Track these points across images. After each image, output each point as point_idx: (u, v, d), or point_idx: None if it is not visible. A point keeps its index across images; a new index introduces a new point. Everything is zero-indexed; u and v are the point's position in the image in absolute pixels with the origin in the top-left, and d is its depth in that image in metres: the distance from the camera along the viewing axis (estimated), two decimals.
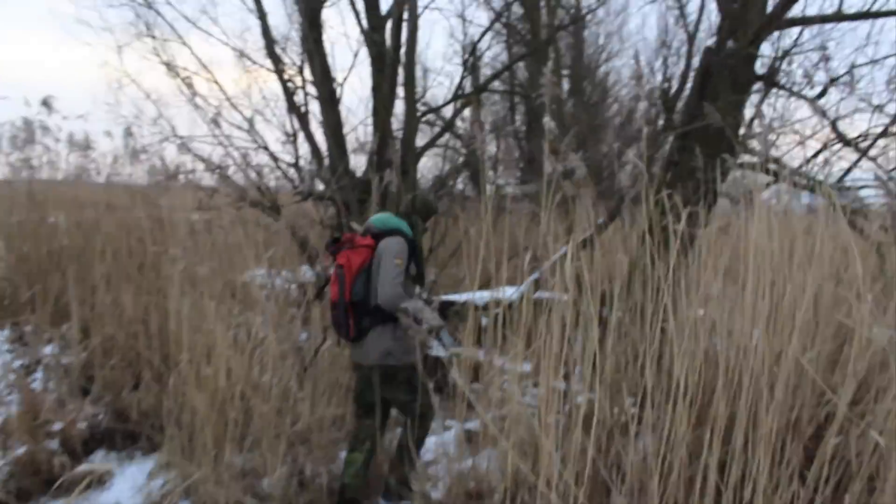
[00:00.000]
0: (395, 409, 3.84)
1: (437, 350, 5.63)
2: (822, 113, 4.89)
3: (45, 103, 6.99)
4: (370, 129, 6.45)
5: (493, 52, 14.03)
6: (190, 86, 6.51)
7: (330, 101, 6.11)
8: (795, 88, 5.19)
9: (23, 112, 7.18)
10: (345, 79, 6.56)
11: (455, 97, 8.14)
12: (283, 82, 6.54)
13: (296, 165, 6.70)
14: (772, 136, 5.11)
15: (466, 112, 16.98)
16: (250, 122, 6.23)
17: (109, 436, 4.41)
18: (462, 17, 10.29)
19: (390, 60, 6.16)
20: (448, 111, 8.36)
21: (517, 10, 12.55)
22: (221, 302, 4.13)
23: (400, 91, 6.49)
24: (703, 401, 2.66)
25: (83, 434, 4.29)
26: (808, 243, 2.99)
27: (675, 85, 10.29)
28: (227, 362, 3.66)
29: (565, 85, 17.51)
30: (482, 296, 7.00)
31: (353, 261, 3.51)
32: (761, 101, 5.48)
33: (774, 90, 5.37)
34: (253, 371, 3.97)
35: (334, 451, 4.06)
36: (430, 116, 10.40)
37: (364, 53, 6.52)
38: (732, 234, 3.78)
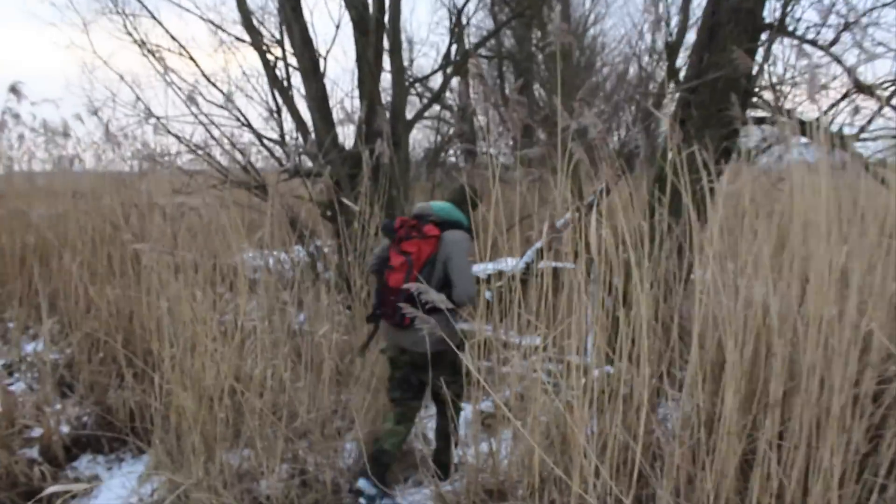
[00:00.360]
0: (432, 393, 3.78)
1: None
2: (837, 60, 4.57)
3: (14, 90, 6.62)
4: (357, 101, 6.09)
5: (478, 19, 13.58)
6: (164, 64, 6.14)
7: (312, 72, 5.73)
8: (808, 36, 4.86)
9: None
10: (328, 51, 6.19)
11: (443, 65, 7.78)
12: (263, 55, 6.17)
13: (281, 142, 6.35)
14: (786, 87, 4.79)
15: (455, 83, 16.63)
16: (229, 97, 5.86)
17: (95, 439, 4.11)
18: None
19: (374, 26, 5.79)
20: (436, 83, 7.98)
21: None
22: (206, 289, 3.80)
23: (386, 64, 6.16)
24: (753, 377, 2.37)
25: (66, 439, 3.99)
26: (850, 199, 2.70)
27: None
28: (212, 356, 3.34)
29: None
30: (484, 268, 6.73)
31: (423, 251, 3.54)
32: (768, 49, 5.14)
33: (786, 39, 5.04)
34: (245, 363, 3.67)
35: (338, 443, 3.77)
36: (419, 89, 10.06)
37: (347, 21, 6.16)
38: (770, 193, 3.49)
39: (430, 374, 3.47)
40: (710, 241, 2.66)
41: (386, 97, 6.36)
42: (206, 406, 3.31)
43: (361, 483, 3.43)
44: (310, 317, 4.58)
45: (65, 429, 4.07)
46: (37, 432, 3.90)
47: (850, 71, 4.47)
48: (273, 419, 3.44)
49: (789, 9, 5.02)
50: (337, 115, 5.56)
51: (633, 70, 16.04)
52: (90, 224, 5.57)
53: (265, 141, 6.01)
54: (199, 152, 6.04)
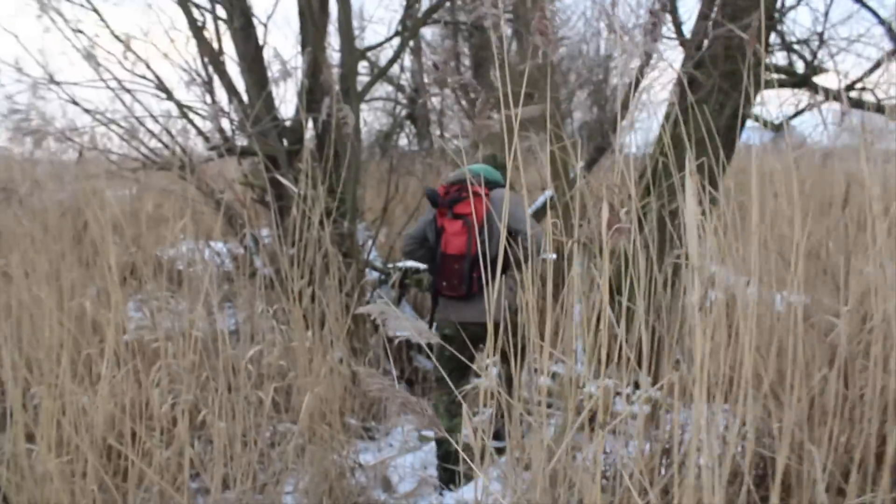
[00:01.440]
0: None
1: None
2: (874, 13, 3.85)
3: None
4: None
5: None
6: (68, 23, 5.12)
7: (245, 27, 4.79)
8: None
9: None
10: (269, 17, 5.25)
11: (398, 31, 6.89)
12: (186, 8, 5.21)
13: (212, 114, 5.39)
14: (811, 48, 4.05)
15: (408, 62, 15.70)
16: (137, 59, 4.87)
17: None
18: None
19: None
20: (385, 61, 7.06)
21: None
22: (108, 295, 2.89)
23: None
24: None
25: None
26: None
27: None
28: (77, 408, 2.40)
29: (508, 31, 16.39)
30: None
31: (479, 210, 3.25)
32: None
33: None
34: (151, 395, 2.78)
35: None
36: (369, 64, 9.17)
37: None
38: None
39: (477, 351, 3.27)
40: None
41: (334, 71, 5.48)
42: (81, 475, 2.37)
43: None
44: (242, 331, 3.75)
45: None
46: None
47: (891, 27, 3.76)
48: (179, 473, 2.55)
49: None
50: (273, 77, 4.60)
51: (591, 48, 15.41)
52: None
53: (190, 113, 5.04)
54: (115, 128, 5.07)
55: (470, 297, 3.35)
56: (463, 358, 2.86)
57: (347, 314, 3.73)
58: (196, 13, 5.32)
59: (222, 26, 5.31)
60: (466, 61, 16.37)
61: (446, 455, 3.41)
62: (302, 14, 4.77)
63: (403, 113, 14.87)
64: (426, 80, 15.54)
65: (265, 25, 5.19)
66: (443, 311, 3.55)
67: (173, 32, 5.49)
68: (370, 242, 5.45)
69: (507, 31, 16.21)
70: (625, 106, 5.04)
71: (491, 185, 3.52)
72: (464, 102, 16.50)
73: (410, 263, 5.71)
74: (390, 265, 5.51)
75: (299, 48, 4.95)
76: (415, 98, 13.84)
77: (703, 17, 3.98)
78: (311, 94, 4.11)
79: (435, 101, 16.52)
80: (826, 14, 3.40)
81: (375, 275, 5.30)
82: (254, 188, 5.23)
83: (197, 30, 5.27)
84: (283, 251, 3.64)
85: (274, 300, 3.78)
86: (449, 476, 3.38)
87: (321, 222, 3.63)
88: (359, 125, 4.11)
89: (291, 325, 3.46)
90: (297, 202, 3.47)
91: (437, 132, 16.48)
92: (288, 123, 4.99)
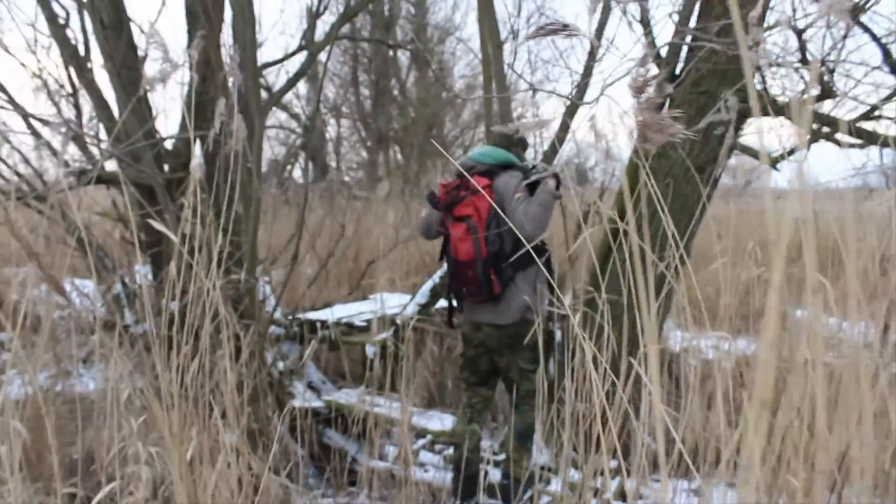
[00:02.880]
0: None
1: None
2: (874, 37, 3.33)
3: None
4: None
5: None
6: None
7: (116, 25, 3.82)
8: None
9: None
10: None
11: (301, 47, 6.10)
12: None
13: (75, 135, 4.38)
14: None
15: (302, 90, 14.83)
16: None
17: None
18: None
19: None
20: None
21: None
22: None
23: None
24: None
25: None
26: None
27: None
28: None
29: (405, 60, 15.80)
30: (360, 311, 5.07)
31: (481, 207, 3.12)
32: None
33: None
34: None
35: None
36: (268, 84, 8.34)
37: None
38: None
39: (504, 355, 3.20)
40: None
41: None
42: None
43: None
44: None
45: None
46: None
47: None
48: None
49: None
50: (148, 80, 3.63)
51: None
52: None
53: (40, 127, 4.01)
54: None
55: (493, 299, 3.17)
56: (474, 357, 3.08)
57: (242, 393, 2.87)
58: (57, 7, 4.36)
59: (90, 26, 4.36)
60: (366, 90, 15.71)
61: (458, 460, 3.28)
62: (191, 12, 3.86)
63: (298, 142, 13.98)
64: (322, 108, 14.79)
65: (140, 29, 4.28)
66: (469, 314, 3.35)
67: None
68: (268, 289, 4.54)
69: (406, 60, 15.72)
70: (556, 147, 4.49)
71: (502, 167, 3.22)
72: (363, 132, 15.81)
73: (317, 314, 4.87)
74: (295, 316, 4.64)
75: (187, 55, 4.05)
76: (309, 126, 12.95)
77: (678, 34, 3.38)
78: (201, 108, 3.22)
79: (332, 130, 15.75)
80: (844, 38, 2.87)
81: (278, 329, 4.43)
82: (126, 223, 4.27)
83: (58, 28, 4.30)
84: (164, 308, 2.73)
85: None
86: (465, 487, 3.25)
87: (207, 272, 2.74)
88: (261, 148, 3.23)
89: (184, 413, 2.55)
90: (180, 246, 2.58)
91: (335, 163, 15.69)
92: (170, 145, 4.06)
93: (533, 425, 3.22)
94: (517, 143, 3.38)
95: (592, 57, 4.21)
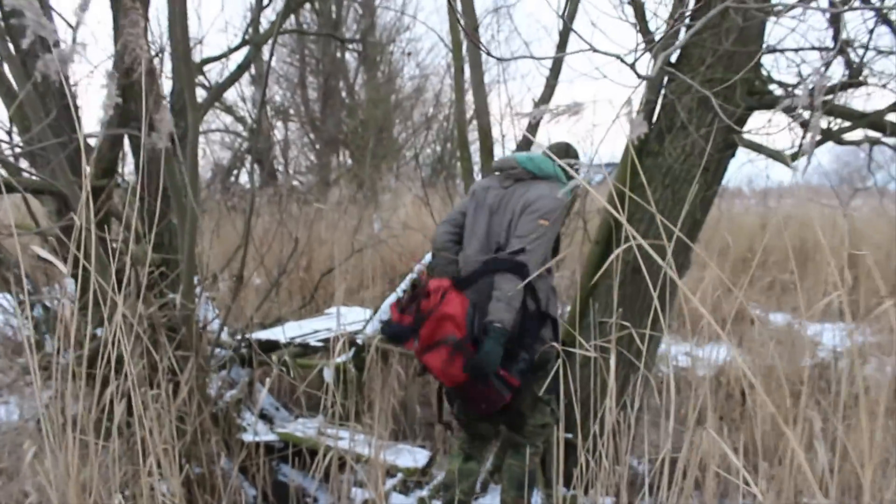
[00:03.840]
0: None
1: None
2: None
3: None
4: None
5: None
6: None
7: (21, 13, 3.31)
8: None
9: None
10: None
11: (243, 42, 5.64)
12: None
13: None
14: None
15: (248, 92, 14.28)
16: None
17: None
18: None
19: None
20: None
21: None
22: None
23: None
24: None
25: None
26: None
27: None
28: None
29: (353, 61, 15.34)
30: (315, 329, 4.63)
31: (455, 314, 2.67)
32: None
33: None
34: None
35: None
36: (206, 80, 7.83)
37: None
38: None
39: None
40: None
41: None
42: None
43: None
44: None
45: None
46: None
47: None
48: None
49: None
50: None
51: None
52: None
53: None
54: None
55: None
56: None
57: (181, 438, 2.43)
58: None
59: None
60: (314, 92, 15.19)
61: (451, 501, 2.96)
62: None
63: (244, 146, 13.40)
64: (269, 110, 14.26)
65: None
66: None
67: None
68: (211, 309, 4.06)
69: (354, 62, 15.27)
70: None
71: (543, 178, 2.92)
72: (311, 135, 15.30)
73: (268, 334, 4.42)
74: (245, 336, 4.17)
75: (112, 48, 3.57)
76: (255, 130, 12.39)
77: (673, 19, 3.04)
78: (126, 105, 2.75)
79: (279, 133, 15.21)
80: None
81: (223, 351, 3.96)
82: (45, 237, 3.77)
83: None
84: (86, 334, 2.28)
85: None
86: None
87: (138, 294, 2.31)
88: (196, 150, 2.78)
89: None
90: (104, 265, 2.14)
91: (283, 167, 15.13)
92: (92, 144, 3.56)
93: (535, 473, 2.83)
94: (571, 156, 3.10)
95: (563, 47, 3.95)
